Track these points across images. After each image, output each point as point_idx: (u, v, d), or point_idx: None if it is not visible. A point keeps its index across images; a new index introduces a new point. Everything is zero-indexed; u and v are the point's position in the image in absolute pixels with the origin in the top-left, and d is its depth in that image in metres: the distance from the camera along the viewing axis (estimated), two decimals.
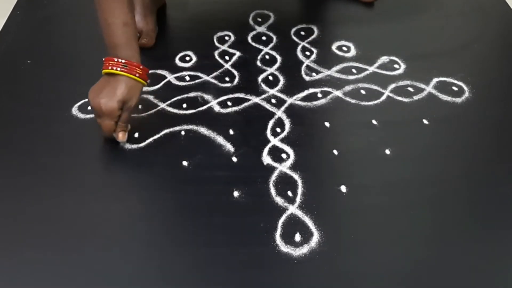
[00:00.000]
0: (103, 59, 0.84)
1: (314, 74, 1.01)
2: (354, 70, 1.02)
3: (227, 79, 1.01)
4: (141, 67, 0.85)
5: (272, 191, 0.80)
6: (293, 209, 0.78)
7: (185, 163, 0.85)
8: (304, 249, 0.73)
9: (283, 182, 0.81)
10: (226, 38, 1.11)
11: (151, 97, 0.97)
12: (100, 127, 0.85)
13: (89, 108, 0.94)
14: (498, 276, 0.70)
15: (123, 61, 0.83)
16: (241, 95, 0.97)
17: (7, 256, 0.73)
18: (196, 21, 1.17)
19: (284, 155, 0.86)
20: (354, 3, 1.20)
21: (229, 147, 0.87)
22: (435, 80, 0.99)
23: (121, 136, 0.85)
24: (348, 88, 0.98)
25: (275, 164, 0.84)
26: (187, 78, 1.01)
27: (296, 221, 0.76)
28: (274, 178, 0.82)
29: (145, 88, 0.98)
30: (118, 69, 0.83)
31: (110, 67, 0.83)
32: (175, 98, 0.96)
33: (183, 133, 0.90)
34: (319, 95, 0.97)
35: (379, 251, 0.73)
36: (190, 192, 0.81)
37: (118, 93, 0.82)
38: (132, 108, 0.85)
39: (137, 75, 0.84)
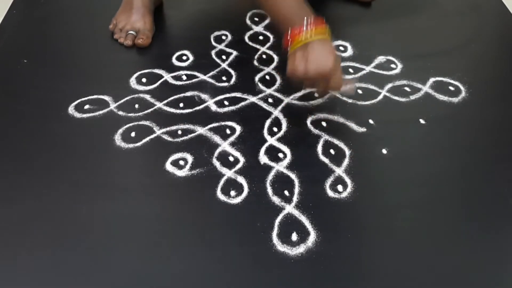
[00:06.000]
0: (288, 34, 0.84)
1: None
2: (351, 70, 1.02)
3: (224, 78, 1.01)
4: (319, 21, 0.85)
5: (269, 190, 0.80)
6: (289, 208, 0.78)
7: (181, 162, 0.85)
8: (300, 249, 0.73)
9: (279, 182, 0.81)
10: (223, 37, 1.11)
11: (147, 97, 0.96)
12: (328, 87, 0.87)
13: (85, 107, 0.94)
14: (497, 276, 0.71)
15: (309, 20, 0.83)
16: (238, 95, 0.97)
17: (3, 256, 0.73)
18: (193, 20, 1.17)
19: (281, 155, 0.86)
20: (351, 2, 1.20)
21: (226, 146, 0.87)
22: (431, 80, 0.99)
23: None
24: (345, 87, 0.98)
25: (272, 164, 0.84)
26: (184, 77, 1.01)
27: (293, 220, 0.76)
28: (271, 178, 0.82)
29: (142, 88, 0.98)
30: (313, 35, 0.83)
31: (303, 37, 0.83)
32: (171, 98, 0.96)
33: (180, 132, 0.90)
34: (316, 94, 0.97)
35: (376, 250, 0.73)
36: (187, 192, 0.81)
37: (329, 50, 0.83)
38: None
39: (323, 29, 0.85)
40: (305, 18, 0.84)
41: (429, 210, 0.78)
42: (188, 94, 0.97)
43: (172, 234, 0.76)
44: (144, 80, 1.00)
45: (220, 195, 0.80)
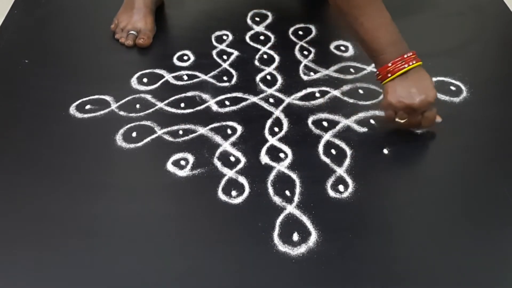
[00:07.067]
0: (389, 64, 0.82)
1: (312, 73, 1.01)
2: (352, 70, 1.02)
3: (225, 78, 1.01)
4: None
5: (270, 190, 0.80)
6: (291, 208, 0.78)
7: (182, 162, 0.85)
8: (302, 249, 0.73)
9: (281, 182, 0.81)
10: (224, 37, 1.11)
11: (148, 97, 0.97)
12: (424, 122, 0.85)
13: (86, 107, 0.94)
14: (497, 275, 0.71)
15: (411, 53, 0.83)
16: (239, 95, 0.97)
17: (3, 256, 0.73)
18: (194, 21, 1.17)
19: (282, 155, 0.86)
20: None
21: (227, 146, 0.87)
22: (432, 79, 0.99)
23: (439, 117, 0.87)
24: (346, 87, 0.98)
25: (273, 164, 0.84)
26: (185, 77, 1.01)
27: (294, 220, 0.76)
28: (272, 178, 0.82)
29: (143, 87, 0.99)
30: (414, 62, 0.82)
31: (407, 65, 0.82)
32: (173, 98, 0.96)
33: (181, 132, 0.90)
34: (317, 94, 0.97)
35: (377, 250, 0.73)
36: (188, 192, 0.81)
37: (430, 81, 0.83)
38: None
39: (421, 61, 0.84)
40: (406, 54, 0.82)
41: (429, 209, 0.78)
42: (189, 94, 0.97)
43: (173, 234, 0.76)
44: (145, 80, 1.00)
45: (221, 195, 0.80)
